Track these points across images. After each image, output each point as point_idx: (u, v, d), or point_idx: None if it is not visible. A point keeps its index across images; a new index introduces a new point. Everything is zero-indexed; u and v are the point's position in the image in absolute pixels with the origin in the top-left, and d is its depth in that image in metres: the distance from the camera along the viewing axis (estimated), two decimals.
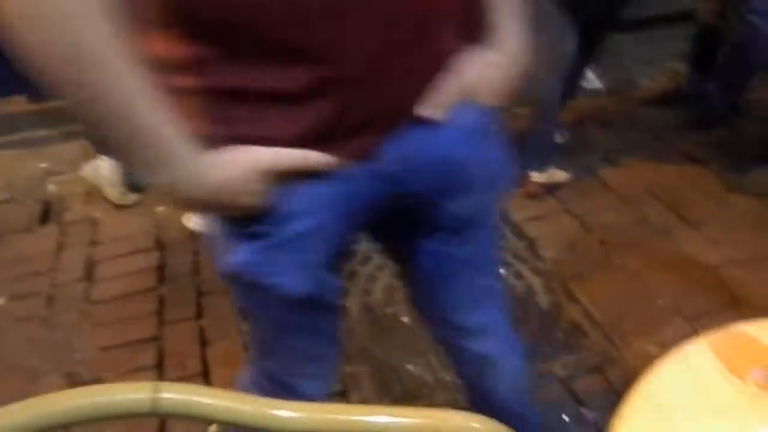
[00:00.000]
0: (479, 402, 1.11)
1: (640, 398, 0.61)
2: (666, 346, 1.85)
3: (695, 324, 1.69)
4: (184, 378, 1.59)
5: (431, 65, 0.69)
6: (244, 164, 0.64)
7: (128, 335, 1.76)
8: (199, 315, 1.81)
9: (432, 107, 0.70)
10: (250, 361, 0.99)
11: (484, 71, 0.72)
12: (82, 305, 1.87)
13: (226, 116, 0.65)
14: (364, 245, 2.06)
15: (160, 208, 2.29)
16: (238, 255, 0.74)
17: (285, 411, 0.60)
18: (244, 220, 0.70)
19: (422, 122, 0.70)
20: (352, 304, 1.83)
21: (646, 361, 1.69)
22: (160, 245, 2.11)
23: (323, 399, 0.96)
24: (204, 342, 1.72)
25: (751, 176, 2.22)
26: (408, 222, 0.83)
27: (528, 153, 2.25)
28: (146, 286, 1.93)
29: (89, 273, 2.01)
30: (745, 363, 0.65)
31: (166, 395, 0.60)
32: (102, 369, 1.65)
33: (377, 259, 2.00)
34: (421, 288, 0.95)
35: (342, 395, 1.57)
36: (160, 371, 1.64)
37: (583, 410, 1.50)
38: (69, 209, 2.32)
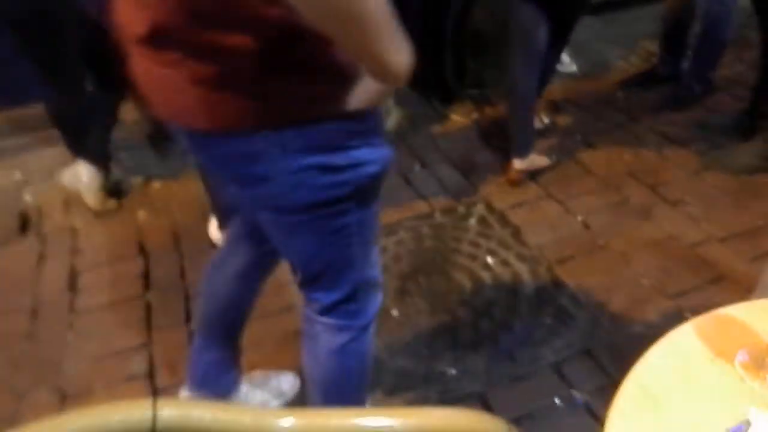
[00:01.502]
0: None
1: (632, 387, 0.62)
2: (652, 325, 1.88)
3: (679, 302, 1.72)
4: (176, 384, 1.58)
5: None
6: None
7: (117, 344, 1.74)
8: (188, 320, 1.80)
9: None
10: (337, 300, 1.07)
11: None
12: (68, 317, 1.85)
13: None
14: None
15: (142, 214, 2.26)
16: (378, 154, 0.92)
17: (285, 419, 0.60)
18: (369, 115, 0.89)
19: None
20: None
21: (634, 341, 1.72)
22: (143, 252, 2.09)
23: None
24: None
25: (727, 153, 2.26)
26: None
27: (509, 140, 2.26)
28: (132, 294, 1.91)
29: (72, 283, 1.98)
30: (730, 346, 0.67)
31: (165, 413, 0.60)
32: (92, 381, 1.63)
33: None
34: None
35: None
36: (151, 379, 1.63)
37: (574, 393, 1.52)
38: (48, 219, 2.28)
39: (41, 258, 2.10)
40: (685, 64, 2.68)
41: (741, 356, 0.66)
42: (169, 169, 2.45)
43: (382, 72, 0.79)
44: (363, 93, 0.84)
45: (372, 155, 0.92)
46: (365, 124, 0.90)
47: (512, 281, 1.87)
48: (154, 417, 0.59)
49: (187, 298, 1.87)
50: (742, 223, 1.99)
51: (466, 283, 1.87)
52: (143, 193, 2.37)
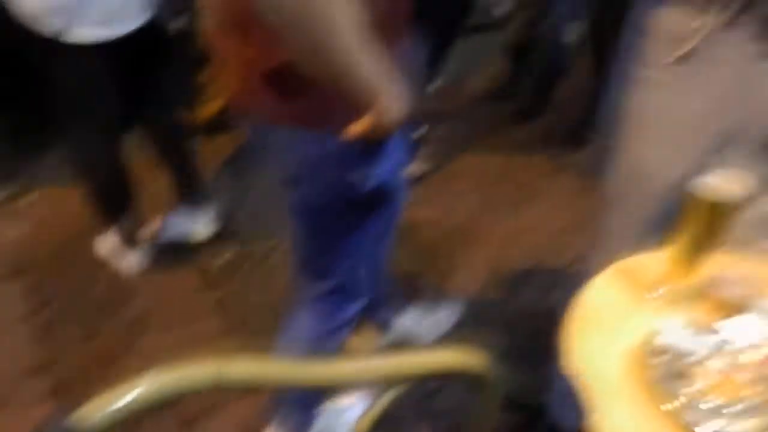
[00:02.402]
0: None
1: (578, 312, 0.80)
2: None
3: (554, 277, 2.04)
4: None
5: None
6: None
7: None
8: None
9: None
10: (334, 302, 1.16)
11: None
12: None
13: None
14: None
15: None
16: (384, 169, 0.98)
17: (346, 364, 0.69)
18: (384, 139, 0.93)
19: None
20: None
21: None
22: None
23: None
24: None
25: (569, 157, 2.69)
26: None
27: None
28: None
29: None
30: (647, 285, 0.87)
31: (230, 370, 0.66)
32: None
33: None
34: None
35: None
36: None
37: None
38: None
39: None
40: (527, 83, 3.10)
41: (660, 292, 0.86)
42: (29, 180, 2.26)
43: (354, 89, 0.81)
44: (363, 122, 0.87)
45: (375, 170, 0.97)
46: (370, 147, 0.93)
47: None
48: (219, 375, 0.65)
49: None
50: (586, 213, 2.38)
51: None
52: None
